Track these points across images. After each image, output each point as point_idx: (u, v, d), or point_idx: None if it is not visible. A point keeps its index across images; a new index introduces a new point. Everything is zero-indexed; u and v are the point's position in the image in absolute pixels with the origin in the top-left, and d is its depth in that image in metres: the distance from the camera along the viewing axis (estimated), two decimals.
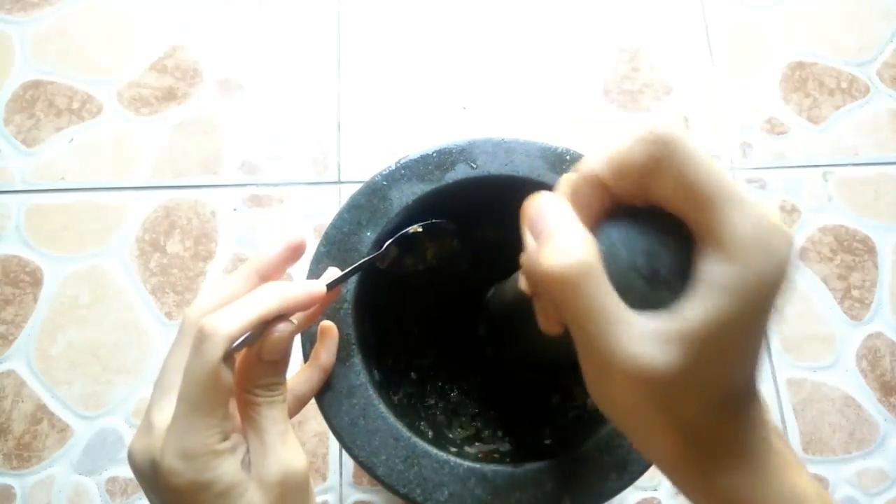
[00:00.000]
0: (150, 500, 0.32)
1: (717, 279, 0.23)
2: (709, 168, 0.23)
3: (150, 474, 0.30)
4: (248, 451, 0.32)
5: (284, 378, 0.33)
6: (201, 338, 0.30)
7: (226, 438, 0.30)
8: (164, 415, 0.31)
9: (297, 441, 0.32)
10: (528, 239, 0.26)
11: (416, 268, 0.42)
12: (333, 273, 0.38)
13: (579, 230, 0.25)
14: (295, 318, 0.33)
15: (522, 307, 0.34)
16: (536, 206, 0.26)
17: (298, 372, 0.39)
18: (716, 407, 0.25)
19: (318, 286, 0.34)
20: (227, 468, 0.30)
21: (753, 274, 0.22)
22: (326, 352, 0.40)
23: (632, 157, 0.25)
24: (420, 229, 0.42)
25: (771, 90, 0.82)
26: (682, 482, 0.27)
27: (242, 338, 0.31)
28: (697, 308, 0.23)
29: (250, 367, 0.32)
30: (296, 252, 0.35)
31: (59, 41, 0.81)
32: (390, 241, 0.41)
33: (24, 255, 0.73)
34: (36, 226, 0.74)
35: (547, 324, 0.29)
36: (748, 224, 0.23)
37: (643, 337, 0.23)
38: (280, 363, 0.33)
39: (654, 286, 0.24)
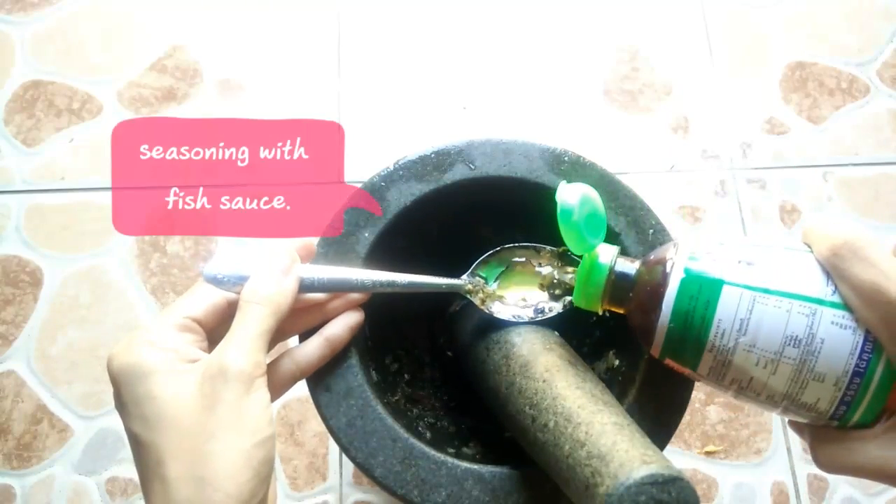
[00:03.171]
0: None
1: None
2: None
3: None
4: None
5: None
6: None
7: (181, 346, 0.33)
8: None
9: (261, 354, 0.34)
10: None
11: None
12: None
13: None
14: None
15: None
16: None
17: (306, 342, 0.40)
18: None
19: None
20: (159, 356, 0.32)
21: None
22: (341, 328, 0.40)
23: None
24: None
25: (771, 90, 0.82)
26: None
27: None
28: None
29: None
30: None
31: (59, 41, 0.82)
32: None
33: (24, 255, 0.73)
34: (36, 226, 0.74)
35: None
36: None
37: None
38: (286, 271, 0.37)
39: None
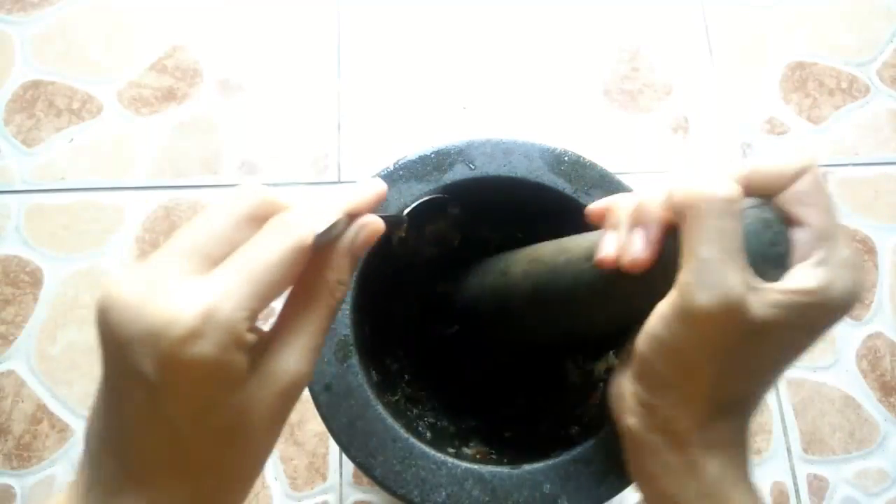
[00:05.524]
0: (111, 371, 0.26)
1: (825, 272, 0.28)
2: (832, 202, 0.30)
3: (143, 331, 0.24)
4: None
5: (350, 280, 0.31)
6: (285, 223, 0.27)
7: (252, 330, 0.26)
8: (184, 273, 0.25)
9: (320, 352, 0.29)
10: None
11: (417, 246, 0.43)
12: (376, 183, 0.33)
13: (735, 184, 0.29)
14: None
15: (588, 278, 0.36)
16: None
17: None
18: (749, 399, 0.31)
19: (382, 184, 0.32)
20: (242, 359, 0.26)
21: (844, 282, 0.28)
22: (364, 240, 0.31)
23: (786, 171, 0.30)
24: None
25: (771, 90, 0.82)
26: (672, 454, 0.31)
27: (326, 227, 0.28)
28: (808, 279, 0.28)
29: (327, 261, 0.29)
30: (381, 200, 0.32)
31: (59, 41, 0.82)
32: (410, 208, 0.41)
33: (24, 255, 0.73)
34: (36, 226, 0.74)
35: (638, 250, 0.31)
36: (851, 252, 0.29)
37: (752, 285, 0.27)
38: (356, 261, 0.30)
39: (770, 262, 0.29)
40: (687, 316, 0.28)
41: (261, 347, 0.28)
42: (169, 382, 0.24)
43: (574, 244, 0.39)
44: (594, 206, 0.35)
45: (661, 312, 0.30)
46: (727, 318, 0.27)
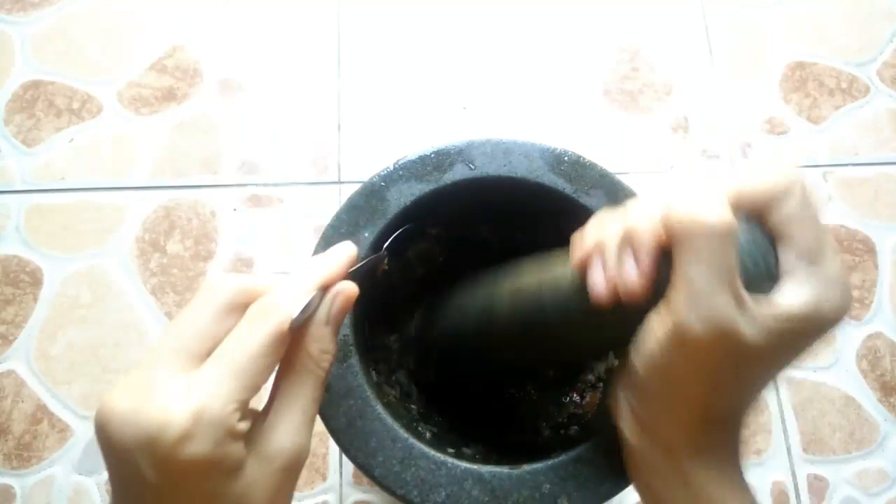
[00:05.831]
0: (117, 478, 0.27)
1: (813, 290, 0.28)
2: (820, 217, 0.30)
3: (139, 438, 0.25)
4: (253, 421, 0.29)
5: (336, 346, 0.31)
6: (262, 311, 0.28)
7: (244, 419, 0.28)
8: (171, 375, 0.27)
9: (314, 420, 0.31)
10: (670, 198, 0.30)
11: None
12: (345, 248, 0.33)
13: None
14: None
15: (578, 311, 0.35)
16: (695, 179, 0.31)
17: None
18: (738, 411, 0.32)
19: (351, 248, 0.32)
20: (238, 447, 0.27)
21: (832, 299, 0.28)
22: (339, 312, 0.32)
23: (774, 192, 0.29)
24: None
25: (771, 90, 0.82)
26: (663, 462, 0.32)
27: (302, 308, 0.29)
28: (797, 298, 0.28)
29: (308, 335, 0.30)
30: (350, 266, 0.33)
31: (59, 41, 0.82)
32: (389, 241, 0.41)
33: (24, 255, 0.73)
34: (36, 226, 0.74)
35: (633, 281, 0.30)
36: (839, 267, 0.29)
37: (744, 309, 0.27)
38: (338, 328, 0.31)
39: (763, 277, 0.29)
40: (679, 340, 0.28)
41: (256, 427, 0.29)
42: (171, 483, 0.26)
43: (557, 271, 0.37)
44: (579, 256, 0.33)
45: (654, 333, 0.30)
46: (719, 343, 0.27)
